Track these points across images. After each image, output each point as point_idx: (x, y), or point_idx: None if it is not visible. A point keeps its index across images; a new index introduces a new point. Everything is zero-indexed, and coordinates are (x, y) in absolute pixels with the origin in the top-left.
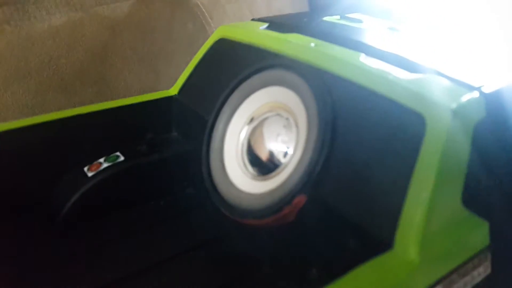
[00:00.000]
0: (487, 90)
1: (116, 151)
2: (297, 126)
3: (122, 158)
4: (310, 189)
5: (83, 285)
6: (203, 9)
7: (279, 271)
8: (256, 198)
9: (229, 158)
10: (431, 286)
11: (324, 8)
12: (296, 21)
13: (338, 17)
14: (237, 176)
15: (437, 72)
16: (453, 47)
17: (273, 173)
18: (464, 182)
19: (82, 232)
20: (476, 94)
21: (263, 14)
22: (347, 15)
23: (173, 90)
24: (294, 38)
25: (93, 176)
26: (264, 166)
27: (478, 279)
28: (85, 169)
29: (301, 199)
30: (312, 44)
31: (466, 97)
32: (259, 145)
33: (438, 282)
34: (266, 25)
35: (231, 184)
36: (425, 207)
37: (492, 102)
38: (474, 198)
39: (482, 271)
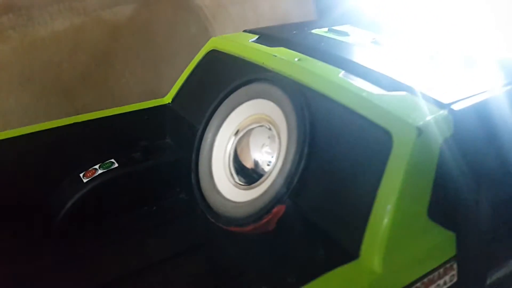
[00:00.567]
0: (456, 107)
1: (111, 158)
2: (279, 137)
3: (116, 164)
4: (289, 199)
5: None
6: (206, 12)
7: (262, 276)
8: (240, 206)
9: (217, 167)
10: None
11: (313, 21)
12: (285, 34)
13: (326, 29)
14: (224, 184)
15: (411, 89)
16: (430, 64)
17: (257, 183)
18: (430, 196)
19: (77, 236)
20: (444, 112)
21: (268, 16)
22: (335, 27)
23: (167, 99)
24: (280, 53)
25: (88, 182)
26: (249, 176)
27: None
28: (81, 175)
29: (280, 209)
30: (296, 59)
31: (433, 115)
32: (245, 155)
33: None
34: (256, 37)
35: (218, 192)
36: (389, 219)
37: (461, 119)
38: (440, 211)
39: (448, 280)
